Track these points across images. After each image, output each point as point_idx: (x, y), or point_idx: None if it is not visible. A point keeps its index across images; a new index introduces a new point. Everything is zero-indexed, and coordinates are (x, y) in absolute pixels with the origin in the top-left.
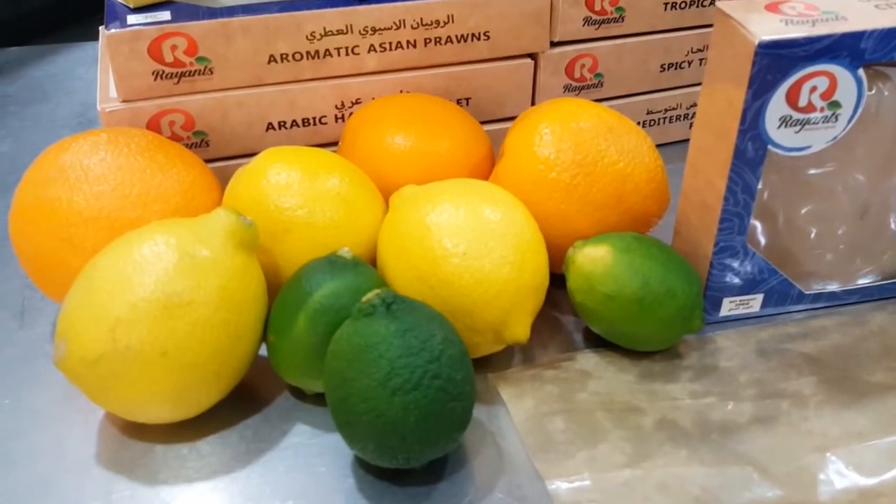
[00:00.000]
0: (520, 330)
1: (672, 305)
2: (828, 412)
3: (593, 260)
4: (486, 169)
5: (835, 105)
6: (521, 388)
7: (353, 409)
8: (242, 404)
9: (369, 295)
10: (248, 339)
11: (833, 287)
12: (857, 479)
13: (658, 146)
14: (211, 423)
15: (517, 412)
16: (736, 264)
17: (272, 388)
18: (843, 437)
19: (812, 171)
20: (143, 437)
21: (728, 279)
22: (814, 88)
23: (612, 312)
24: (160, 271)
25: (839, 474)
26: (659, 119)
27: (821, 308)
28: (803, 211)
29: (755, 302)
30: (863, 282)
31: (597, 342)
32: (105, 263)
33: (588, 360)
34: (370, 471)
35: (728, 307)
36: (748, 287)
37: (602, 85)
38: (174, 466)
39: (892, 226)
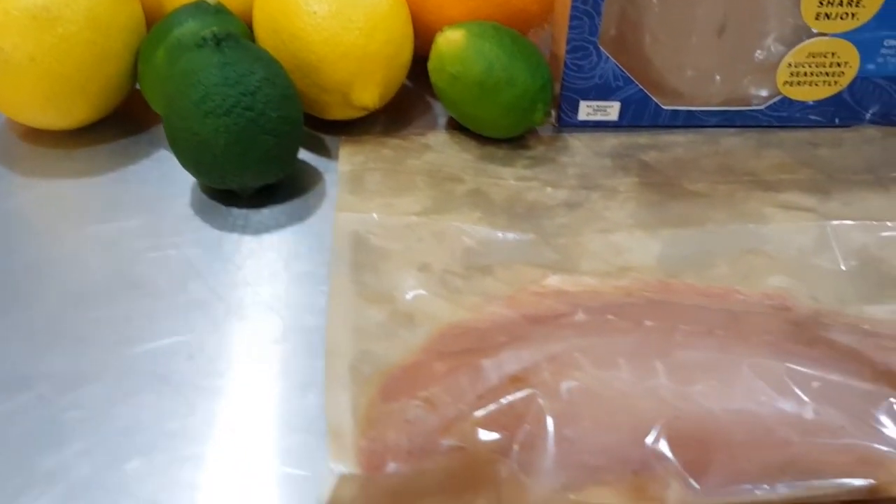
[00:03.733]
0: (366, 95)
1: (511, 93)
2: (631, 206)
3: (449, 41)
4: None
5: None
6: (361, 147)
7: (175, 125)
8: (119, 127)
9: (206, 31)
10: (116, 63)
11: (694, 108)
12: (622, 258)
13: None
14: (88, 137)
15: (345, 164)
16: (588, 66)
17: (150, 120)
18: (633, 226)
19: None
20: (35, 143)
21: (582, 81)
22: None
23: (457, 93)
24: None
25: (608, 252)
26: None
27: (680, 126)
28: (662, 24)
29: (612, 110)
30: (724, 107)
31: (458, 128)
32: None
33: (437, 137)
34: (206, 192)
35: (586, 111)
36: (604, 93)
37: None
38: (50, 164)
39: (754, 52)
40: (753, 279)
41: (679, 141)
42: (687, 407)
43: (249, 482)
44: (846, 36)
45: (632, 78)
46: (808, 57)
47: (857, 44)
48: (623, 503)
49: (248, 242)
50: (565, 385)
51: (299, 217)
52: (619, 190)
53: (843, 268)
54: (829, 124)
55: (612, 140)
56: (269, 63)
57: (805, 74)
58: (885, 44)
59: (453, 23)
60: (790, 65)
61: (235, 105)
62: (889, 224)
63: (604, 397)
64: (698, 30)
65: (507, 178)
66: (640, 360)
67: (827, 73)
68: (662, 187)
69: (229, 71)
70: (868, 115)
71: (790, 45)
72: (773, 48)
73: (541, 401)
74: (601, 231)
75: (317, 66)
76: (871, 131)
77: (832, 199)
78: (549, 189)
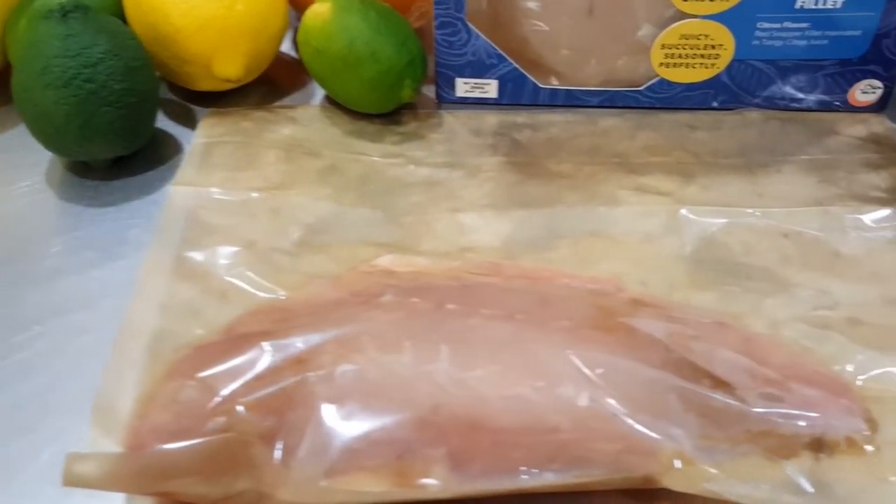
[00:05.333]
0: (229, 67)
1: (375, 69)
2: (489, 186)
3: (315, 15)
4: None
5: None
6: (223, 119)
7: (19, 96)
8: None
9: (54, 2)
10: None
11: (574, 88)
12: (466, 239)
13: None
14: None
15: (200, 136)
16: (459, 42)
17: None
18: (486, 206)
19: None
20: None
21: (455, 58)
22: None
23: (321, 67)
24: None
25: (454, 232)
26: None
27: (561, 106)
28: (533, 2)
29: (490, 87)
30: (602, 87)
31: (334, 103)
32: None
33: (307, 111)
34: (65, 164)
35: (463, 88)
36: (479, 70)
37: None
38: None
39: (627, 32)
40: (590, 262)
41: (557, 121)
42: (460, 392)
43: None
44: (717, 18)
45: (505, 55)
46: (680, 39)
47: (730, 26)
48: (383, 488)
49: (91, 214)
50: (341, 369)
51: (148, 190)
52: (481, 169)
53: (686, 253)
54: (710, 107)
55: (490, 118)
56: (116, 35)
57: (680, 56)
58: (758, 26)
59: None
60: (663, 46)
61: (75, 77)
62: (746, 210)
63: (377, 382)
64: (568, 9)
65: (372, 154)
66: (426, 344)
67: (702, 56)
68: (526, 167)
69: (70, 42)
70: (751, 99)
71: (663, 26)
72: (645, 29)
73: (313, 385)
74: (451, 210)
75: (174, 38)
76: (753, 115)
77: (693, 184)
78: (411, 166)
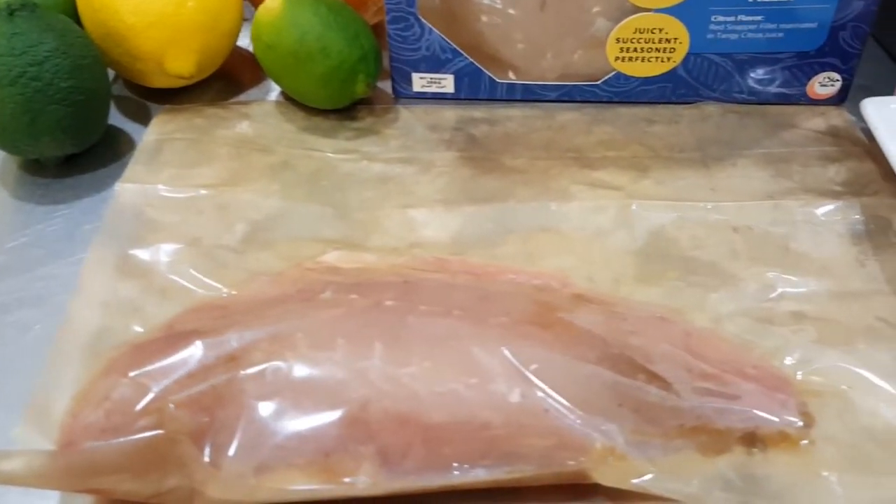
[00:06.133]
0: (180, 64)
1: (326, 64)
2: (442, 181)
3: (267, 10)
4: None
5: None
6: (176, 116)
7: None
8: None
9: (2, 1)
10: None
11: (531, 82)
12: (415, 234)
13: None
14: None
15: (151, 133)
16: (413, 37)
17: None
18: (438, 201)
19: None
20: None
21: (410, 53)
22: None
23: (273, 63)
24: None
25: (403, 227)
26: None
27: (519, 101)
28: None
29: (447, 82)
30: (560, 81)
31: (290, 99)
32: None
33: (262, 107)
34: (17, 163)
35: (420, 83)
36: (434, 65)
37: None
38: None
39: (581, 26)
40: (538, 258)
41: (515, 115)
42: (392, 389)
43: None
44: (671, 11)
45: (460, 50)
46: (635, 32)
47: (684, 19)
48: (312, 485)
49: (42, 211)
50: (272, 366)
51: (100, 187)
52: (435, 164)
53: (635, 248)
54: (668, 101)
55: (447, 113)
56: (64, 33)
57: (635, 50)
58: (713, 20)
59: None
60: (619, 40)
61: (21, 75)
62: (698, 204)
63: (308, 379)
64: (521, 3)
65: (325, 150)
66: (360, 341)
67: (658, 49)
68: (480, 162)
69: (17, 41)
70: (710, 93)
71: (617, 20)
72: (600, 23)
73: (243, 382)
74: (403, 206)
75: (125, 35)
76: (711, 108)
77: (647, 178)
78: (364, 162)
